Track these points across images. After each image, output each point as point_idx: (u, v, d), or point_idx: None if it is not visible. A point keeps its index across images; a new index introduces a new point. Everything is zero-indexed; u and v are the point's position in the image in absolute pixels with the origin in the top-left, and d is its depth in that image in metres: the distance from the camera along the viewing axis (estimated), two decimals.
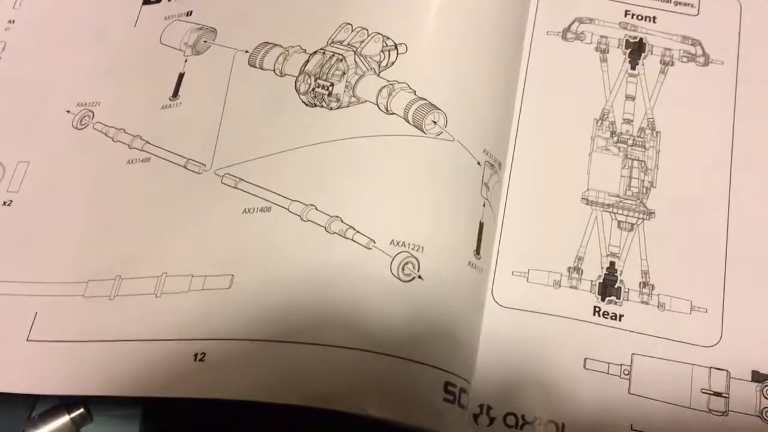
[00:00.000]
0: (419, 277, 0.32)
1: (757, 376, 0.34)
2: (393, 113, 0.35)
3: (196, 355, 0.32)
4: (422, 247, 0.32)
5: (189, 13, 0.43)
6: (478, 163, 0.35)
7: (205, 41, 0.41)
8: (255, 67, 0.39)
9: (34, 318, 0.37)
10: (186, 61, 0.41)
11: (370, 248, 0.32)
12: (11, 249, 0.39)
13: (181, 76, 0.41)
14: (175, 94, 0.40)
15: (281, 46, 0.39)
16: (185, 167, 0.38)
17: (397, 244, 0.32)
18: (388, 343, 0.31)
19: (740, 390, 0.34)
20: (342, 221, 0.33)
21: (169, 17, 0.44)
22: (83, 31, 0.45)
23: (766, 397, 0.34)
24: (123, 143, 0.40)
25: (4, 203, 0.41)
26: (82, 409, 0.37)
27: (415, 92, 0.35)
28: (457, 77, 0.36)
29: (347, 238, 0.32)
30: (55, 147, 0.41)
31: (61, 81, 0.44)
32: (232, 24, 0.41)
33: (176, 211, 0.37)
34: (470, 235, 0.34)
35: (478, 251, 0.34)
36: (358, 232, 0.32)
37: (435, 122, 0.34)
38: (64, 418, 0.37)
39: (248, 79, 0.39)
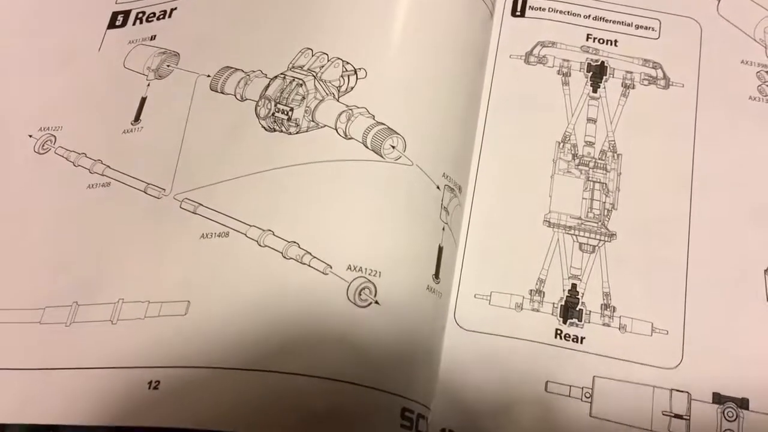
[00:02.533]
0: (376, 302, 0.32)
1: (718, 398, 0.34)
2: (352, 138, 0.35)
3: (150, 383, 0.32)
4: (380, 272, 0.32)
5: (153, 38, 0.43)
6: (438, 187, 0.35)
7: (168, 65, 0.41)
8: (216, 91, 0.39)
9: None
10: (149, 85, 0.41)
11: (326, 274, 0.32)
12: None
13: (143, 100, 0.41)
14: (137, 118, 0.40)
15: (243, 71, 0.39)
16: (145, 192, 0.38)
17: (354, 269, 0.32)
18: (344, 370, 0.30)
19: (701, 412, 0.34)
20: (299, 246, 0.33)
21: (133, 41, 0.44)
22: (48, 55, 0.45)
23: (727, 419, 0.34)
24: (84, 168, 0.40)
25: None
26: None
27: (374, 117, 0.35)
28: (417, 102, 0.36)
29: (304, 264, 0.32)
30: (16, 171, 0.41)
31: (24, 105, 0.43)
32: (195, 48, 0.41)
33: (135, 237, 0.36)
34: (429, 259, 0.34)
35: (437, 275, 0.34)
36: (314, 257, 0.32)
37: (393, 147, 0.34)
38: None
39: (210, 104, 0.39)
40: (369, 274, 0.32)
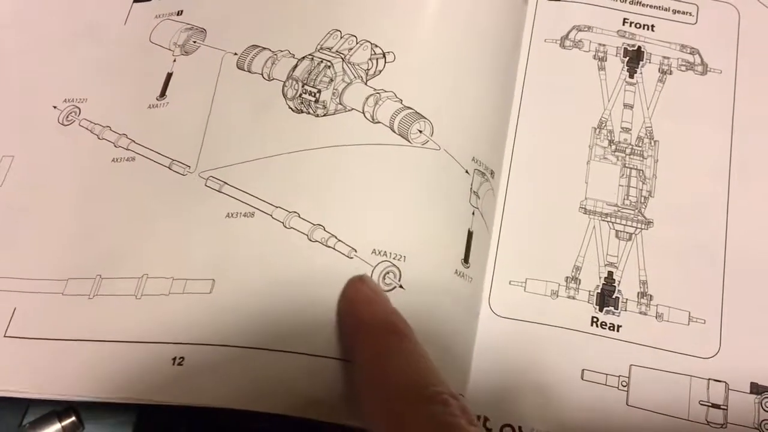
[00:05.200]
0: (400, 286, 0.31)
1: (755, 388, 0.34)
2: (379, 122, 0.34)
3: (174, 359, 0.31)
4: (404, 257, 0.32)
5: (179, 13, 0.43)
6: (466, 172, 0.34)
7: (195, 42, 0.41)
8: (243, 69, 0.38)
9: (12, 314, 0.36)
10: (174, 60, 0.41)
11: (351, 257, 0.32)
12: None
13: (169, 75, 0.40)
14: (163, 93, 0.40)
15: (270, 50, 0.38)
16: (170, 168, 0.37)
17: (379, 253, 0.32)
18: None
19: (739, 402, 0.34)
20: (324, 230, 0.32)
21: (159, 16, 0.43)
22: (73, 28, 0.44)
23: (764, 410, 0.34)
24: (108, 141, 0.39)
25: None
26: (73, 417, 0.36)
27: (401, 101, 0.34)
28: (446, 86, 0.35)
29: (329, 247, 0.32)
30: (40, 142, 0.41)
31: (49, 77, 0.43)
32: (222, 25, 0.41)
33: (159, 213, 0.36)
34: (457, 243, 0.34)
35: (466, 260, 0.34)
36: (339, 241, 0.32)
37: (420, 131, 0.34)
38: (55, 426, 0.36)
39: (236, 82, 0.38)
40: (394, 259, 0.32)
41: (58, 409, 0.36)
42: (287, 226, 0.33)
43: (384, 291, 0.31)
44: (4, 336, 0.35)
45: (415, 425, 0.25)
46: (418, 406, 0.25)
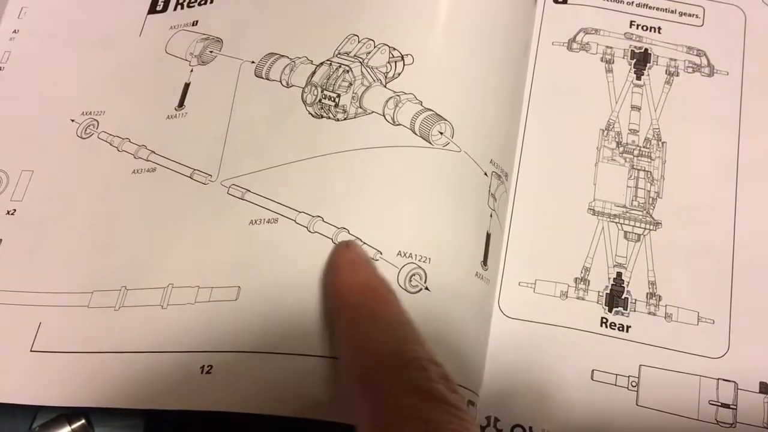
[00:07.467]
0: (426, 288, 0.32)
1: (764, 388, 0.34)
2: (400, 124, 0.34)
3: (202, 367, 0.32)
4: (429, 258, 0.32)
5: (194, 23, 0.43)
6: (485, 174, 0.35)
7: (211, 51, 0.41)
8: (261, 77, 0.39)
9: (38, 328, 0.36)
10: (192, 71, 0.41)
11: (377, 260, 0.32)
12: (15, 258, 0.39)
13: (186, 86, 0.41)
14: (181, 104, 0.40)
15: (288, 57, 0.38)
16: (191, 178, 0.38)
17: (404, 255, 0.32)
18: None
19: (748, 401, 0.34)
20: (349, 233, 0.32)
21: (174, 27, 0.44)
22: (88, 40, 0.45)
23: None
24: (128, 153, 0.40)
25: (8, 212, 0.40)
26: (83, 420, 0.37)
27: (421, 103, 0.35)
28: (464, 88, 0.36)
29: None
30: (59, 156, 0.41)
31: (66, 90, 0.43)
32: (238, 34, 0.41)
33: (182, 222, 0.37)
34: (477, 245, 0.34)
35: (485, 262, 0.34)
36: (364, 243, 0.32)
37: (441, 133, 0.34)
38: (65, 429, 0.36)
39: (255, 90, 0.39)
40: (419, 261, 0.32)
41: (67, 412, 0.36)
42: (311, 230, 0.33)
43: (371, 259, 0.31)
44: (31, 350, 0.36)
45: (392, 391, 0.24)
46: (396, 372, 0.25)
